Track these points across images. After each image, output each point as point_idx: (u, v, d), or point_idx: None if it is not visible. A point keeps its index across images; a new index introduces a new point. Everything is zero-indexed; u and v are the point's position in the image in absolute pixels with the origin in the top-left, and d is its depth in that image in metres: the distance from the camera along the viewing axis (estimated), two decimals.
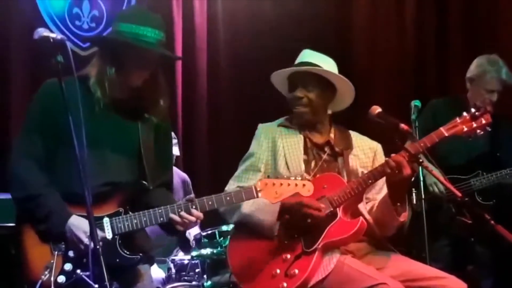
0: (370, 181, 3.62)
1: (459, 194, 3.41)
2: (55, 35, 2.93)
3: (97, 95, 3.32)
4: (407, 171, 3.48)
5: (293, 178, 3.34)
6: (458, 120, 3.58)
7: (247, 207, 3.66)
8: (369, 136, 3.97)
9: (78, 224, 3.18)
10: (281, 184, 3.31)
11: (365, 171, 3.76)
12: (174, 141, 5.85)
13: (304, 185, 3.32)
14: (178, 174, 6.03)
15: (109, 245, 3.21)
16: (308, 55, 3.90)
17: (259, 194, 3.32)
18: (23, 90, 6.05)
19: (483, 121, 3.57)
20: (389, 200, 3.58)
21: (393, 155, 3.53)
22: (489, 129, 3.61)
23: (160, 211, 3.28)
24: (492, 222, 3.18)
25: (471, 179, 4.93)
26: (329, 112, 3.91)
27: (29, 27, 5.76)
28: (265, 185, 3.32)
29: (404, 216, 3.63)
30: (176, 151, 5.97)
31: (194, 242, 5.28)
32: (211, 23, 7.14)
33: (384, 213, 3.64)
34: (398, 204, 3.58)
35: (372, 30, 7.67)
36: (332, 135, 3.87)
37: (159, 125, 3.50)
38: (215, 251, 5.17)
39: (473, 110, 3.58)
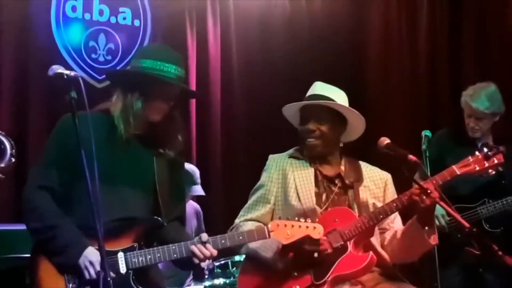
0: (381, 216, 3.64)
1: (467, 225, 3.44)
2: (69, 71, 2.99)
3: (120, 129, 3.37)
4: (435, 194, 3.49)
5: (303, 220, 3.41)
6: (470, 159, 3.63)
7: (253, 243, 3.67)
8: (384, 166, 4.00)
9: (92, 253, 3.21)
10: (293, 226, 3.39)
11: (376, 202, 3.79)
12: (198, 180, 5.94)
13: (314, 227, 3.40)
14: (191, 204, 6.07)
15: (123, 279, 3.24)
16: (319, 88, 3.92)
17: (271, 235, 3.38)
18: (41, 124, 6.09)
19: (496, 161, 3.62)
20: (418, 224, 3.58)
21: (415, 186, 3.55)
22: (501, 169, 3.66)
23: (174, 247, 3.32)
24: (500, 253, 3.21)
25: (478, 208, 4.95)
26: (341, 144, 3.94)
27: (47, 60, 5.86)
28: (276, 226, 3.39)
29: (435, 239, 3.63)
30: (201, 191, 6.04)
31: (207, 271, 5.30)
32: (224, 55, 7.22)
33: (414, 238, 3.64)
34: (427, 227, 3.58)
35: (385, 60, 7.73)
36: (342, 167, 3.88)
37: (175, 160, 3.55)
38: (228, 281, 5.20)
39: (485, 149, 3.63)
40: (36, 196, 3.35)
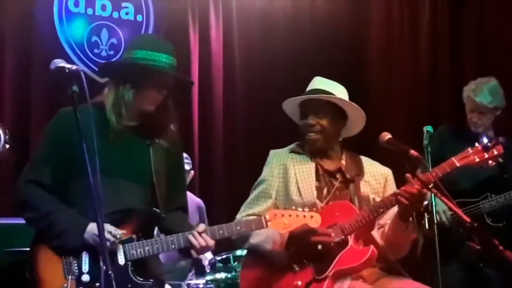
0: (381, 210, 3.65)
1: (467, 219, 3.43)
2: (71, 65, 2.99)
3: (112, 122, 3.38)
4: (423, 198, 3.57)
5: (301, 209, 3.41)
6: (470, 150, 3.62)
7: (255, 237, 3.70)
8: (385, 162, 3.99)
9: (96, 228, 3.16)
10: (290, 215, 3.39)
11: (377, 197, 3.79)
12: (186, 161, 5.92)
13: (312, 216, 3.40)
14: (193, 200, 6.07)
15: (121, 271, 3.25)
16: (319, 83, 3.93)
17: (268, 224, 3.39)
18: (43, 118, 6.08)
19: (495, 152, 3.61)
20: (399, 220, 3.62)
21: (403, 187, 3.57)
22: (501, 160, 3.66)
23: (172, 238, 3.34)
24: (501, 247, 3.20)
25: (480, 202, 4.94)
26: (340, 138, 3.94)
27: (50, 55, 5.87)
28: (274, 215, 3.40)
29: (415, 231, 3.72)
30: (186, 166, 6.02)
31: (209, 266, 5.32)
32: (227, 51, 7.23)
33: (396, 232, 3.67)
34: (410, 219, 3.63)
35: (386, 57, 7.73)
36: (343, 162, 3.88)
37: (171, 150, 3.56)
38: (229, 275, 5.21)
39: (485, 141, 3.62)
40: (26, 189, 3.37)
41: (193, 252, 3.37)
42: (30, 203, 3.35)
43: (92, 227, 3.23)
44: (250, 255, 3.86)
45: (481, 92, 5.01)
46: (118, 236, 3.23)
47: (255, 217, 3.66)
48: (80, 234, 3.25)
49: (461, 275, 4.95)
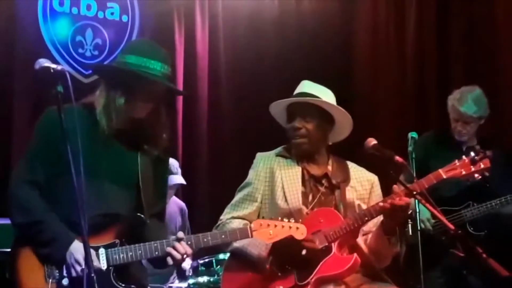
0: (366, 218, 3.64)
1: (452, 227, 3.44)
2: (55, 65, 2.95)
3: (102, 124, 3.34)
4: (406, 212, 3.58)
5: (286, 220, 3.40)
6: (457, 163, 3.64)
7: (239, 240, 3.64)
8: (370, 168, 3.98)
9: (79, 248, 3.17)
10: (276, 226, 3.39)
11: (362, 203, 3.79)
12: (175, 170, 5.91)
13: (297, 228, 3.40)
14: (176, 202, 6.06)
15: (103, 276, 3.20)
16: (307, 86, 3.91)
17: (254, 234, 3.38)
18: (26, 118, 6.05)
19: (482, 166, 3.63)
20: (382, 231, 3.62)
21: (390, 200, 3.55)
22: (487, 174, 3.67)
23: (155, 245, 3.31)
24: (484, 255, 3.21)
25: (462, 210, 4.97)
26: (330, 143, 3.92)
27: (33, 55, 5.81)
28: (259, 225, 3.39)
29: (397, 245, 3.72)
30: (181, 179, 6.01)
31: (190, 270, 5.29)
32: (212, 52, 7.20)
33: (379, 244, 3.67)
34: (392, 233, 3.63)
35: (372, 61, 7.73)
36: (329, 167, 3.87)
37: (159, 157, 3.52)
38: (211, 279, 5.19)
39: (472, 154, 3.64)
40: (21, 191, 3.31)
41: (169, 260, 3.33)
42: (22, 209, 3.29)
43: (74, 247, 3.20)
44: (232, 258, 3.84)
45: (466, 101, 5.02)
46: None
47: (239, 223, 3.68)
48: (65, 248, 3.21)
49: (444, 282, 4.98)
